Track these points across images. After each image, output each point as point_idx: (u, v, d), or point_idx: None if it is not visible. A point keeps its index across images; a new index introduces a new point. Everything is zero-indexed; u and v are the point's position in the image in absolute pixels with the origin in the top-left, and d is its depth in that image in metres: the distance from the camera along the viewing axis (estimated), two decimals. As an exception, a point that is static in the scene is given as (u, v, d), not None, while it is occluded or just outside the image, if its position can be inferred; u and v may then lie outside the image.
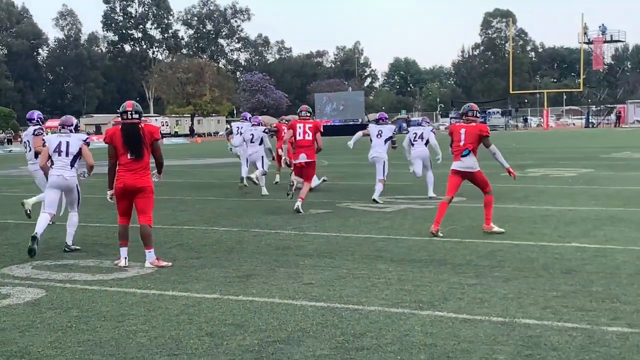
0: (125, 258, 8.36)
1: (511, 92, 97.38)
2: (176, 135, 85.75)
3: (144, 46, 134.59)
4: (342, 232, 10.21)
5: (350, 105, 76.38)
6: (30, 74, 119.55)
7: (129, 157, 8.22)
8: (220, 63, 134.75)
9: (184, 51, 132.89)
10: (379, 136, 13.89)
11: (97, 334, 5.59)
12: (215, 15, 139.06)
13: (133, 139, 8.21)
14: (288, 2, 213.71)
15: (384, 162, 13.68)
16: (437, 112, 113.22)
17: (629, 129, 71.90)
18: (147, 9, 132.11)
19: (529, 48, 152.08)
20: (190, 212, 12.96)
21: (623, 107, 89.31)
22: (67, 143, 9.41)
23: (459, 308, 6.02)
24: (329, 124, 76.40)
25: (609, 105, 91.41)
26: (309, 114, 12.77)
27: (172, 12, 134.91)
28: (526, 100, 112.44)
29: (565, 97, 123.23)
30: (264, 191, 15.89)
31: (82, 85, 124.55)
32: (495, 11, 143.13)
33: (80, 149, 9.48)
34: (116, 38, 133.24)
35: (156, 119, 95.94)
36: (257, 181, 15.73)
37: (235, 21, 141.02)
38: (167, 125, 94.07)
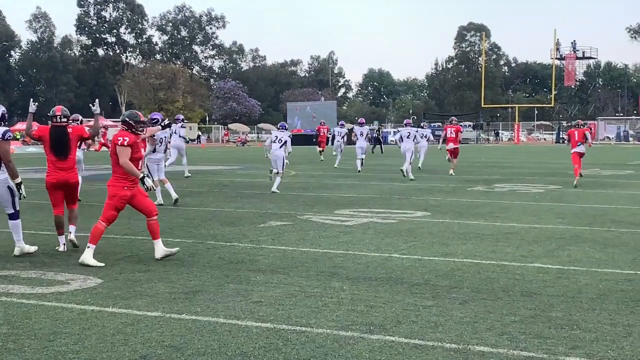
0: (64, 244, 9.61)
1: (483, 105, 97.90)
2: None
3: (117, 51, 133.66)
4: (300, 246, 9.87)
5: (323, 115, 76.08)
6: (2, 75, 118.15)
7: (55, 157, 9.44)
8: (193, 70, 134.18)
9: (158, 57, 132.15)
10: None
11: (24, 355, 5.20)
12: (190, 22, 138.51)
13: (60, 141, 9.41)
14: (263, 10, 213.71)
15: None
16: (377, 122, 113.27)
17: (599, 146, 72.37)
18: (121, 13, 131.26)
19: (502, 62, 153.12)
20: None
21: (594, 124, 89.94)
22: None
23: (412, 332, 5.70)
24: (300, 133, 76.09)
25: (580, 122, 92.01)
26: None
27: (146, 18, 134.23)
28: (498, 114, 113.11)
29: (536, 112, 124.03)
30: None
31: (54, 88, 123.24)
32: (470, 25, 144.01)
33: None
34: (89, 42, 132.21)
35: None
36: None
37: (210, 28, 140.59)
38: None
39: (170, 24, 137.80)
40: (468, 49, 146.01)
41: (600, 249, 9.60)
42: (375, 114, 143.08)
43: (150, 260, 8.86)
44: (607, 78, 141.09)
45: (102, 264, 8.56)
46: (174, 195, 15.46)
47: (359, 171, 25.81)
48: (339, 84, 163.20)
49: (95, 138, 13.29)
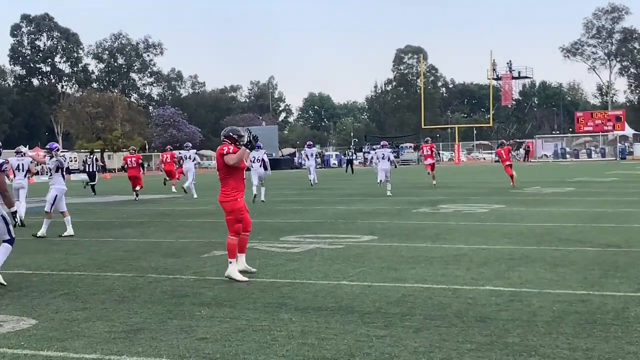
0: None
1: (423, 127, 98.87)
2: (84, 171, 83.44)
3: (53, 80, 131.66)
4: (246, 276, 9.55)
5: (264, 139, 75.82)
6: None
7: None
8: (131, 97, 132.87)
9: (95, 85, 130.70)
10: None
11: (-52, 409, 4.80)
12: (127, 49, 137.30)
13: None
14: (202, 36, 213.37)
15: None
16: (351, 146, 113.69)
17: (537, 164, 73.59)
18: (55, 42, 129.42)
19: (439, 84, 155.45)
20: (84, 255, 12.09)
21: (531, 142, 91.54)
22: None
23: (366, 366, 5.45)
24: (198, 159, 75.44)
25: (518, 140, 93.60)
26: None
27: (82, 46, 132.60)
28: (438, 135, 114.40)
29: (475, 131, 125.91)
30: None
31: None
32: (407, 47, 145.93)
33: None
34: (24, 72, 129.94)
35: (63, 154, 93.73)
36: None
37: (148, 55, 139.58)
38: (75, 161, 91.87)
39: (107, 52, 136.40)
40: (406, 71, 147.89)
41: (550, 268, 9.50)
42: (317, 137, 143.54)
43: (88, 297, 8.46)
44: (542, 97, 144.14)
45: (247, 279, 9.13)
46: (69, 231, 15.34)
47: (313, 184, 28.25)
48: (280, 108, 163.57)
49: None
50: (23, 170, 18.30)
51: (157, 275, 9.83)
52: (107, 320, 7.23)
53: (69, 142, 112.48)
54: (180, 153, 28.80)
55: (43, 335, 6.70)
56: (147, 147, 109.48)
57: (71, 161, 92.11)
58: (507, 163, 28.87)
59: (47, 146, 15.91)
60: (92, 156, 34.54)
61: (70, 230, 15.33)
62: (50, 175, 15.59)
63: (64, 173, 15.62)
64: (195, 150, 30.21)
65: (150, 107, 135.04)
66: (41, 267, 10.89)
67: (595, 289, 8.10)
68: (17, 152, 18.95)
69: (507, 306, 7.33)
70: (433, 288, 8.36)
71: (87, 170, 33.81)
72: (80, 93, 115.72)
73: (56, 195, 15.29)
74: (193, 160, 29.20)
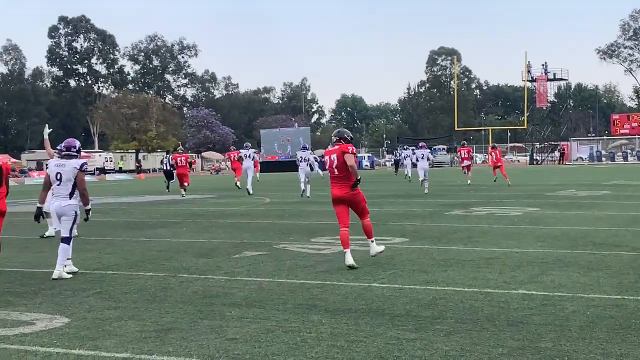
0: None
1: (456, 129, 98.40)
2: (120, 171, 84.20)
3: (89, 81, 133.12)
4: (276, 277, 9.55)
5: (297, 141, 75.85)
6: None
7: None
8: (166, 98, 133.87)
9: (130, 86, 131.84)
10: None
11: (-19, 406, 4.84)
12: (162, 51, 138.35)
13: None
14: (235, 38, 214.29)
15: None
16: (384, 148, 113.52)
17: (572, 166, 72.83)
18: (92, 44, 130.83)
19: (473, 85, 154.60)
20: (118, 254, 12.18)
21: (566, 145, 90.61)
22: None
23: (396, 369, 5.40)
24: (274, 159, 75.84)
25: (553, 143, 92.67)
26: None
27: (118, 48, 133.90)
28: (471, 137, 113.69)
29: (509, 134, 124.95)
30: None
31: (26, 120, 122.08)
32: (441, 49, 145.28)
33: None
34: (61, 73, 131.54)
35: (100, 155, 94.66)
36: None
37: (182, 57, 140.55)
38: (111, 161, 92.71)
39: (142, 54, 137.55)
40: (440, 72, 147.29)
41: (585, 272, 9.37)
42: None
43: (120, 296, 8.50)
44: (578, 99, 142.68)
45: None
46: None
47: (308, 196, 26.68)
48: (312, 110, 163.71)
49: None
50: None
51: (189, 275, 9.86)
52: (138, 319, 7.25)
53: (104, 142, 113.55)
54: (240, 152, 31.14)
55: (75, 333, 6.74)
56: (181, 148, 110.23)
57: (106, 161, 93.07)
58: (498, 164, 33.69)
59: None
60: (168, 155, 35.78)
61: (51, 231, 14.95)
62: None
63: None
64: (254, 150, 32.71)
65: (185, 108, 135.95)
66: (75, 266, 10.97)
67: (630, 294, 7.97)
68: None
69: (539, 310, 7.23)
70: (465, 291, 8.28)
71: (164, 168, 35.23)
72: (116, 94, 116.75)
73: None
74: (252, 159, 30.67)
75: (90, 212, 10.31)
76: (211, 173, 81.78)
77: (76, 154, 10.37)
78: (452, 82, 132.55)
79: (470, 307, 7.47)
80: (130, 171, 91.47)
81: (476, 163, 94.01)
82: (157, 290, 8.81)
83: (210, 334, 6.57)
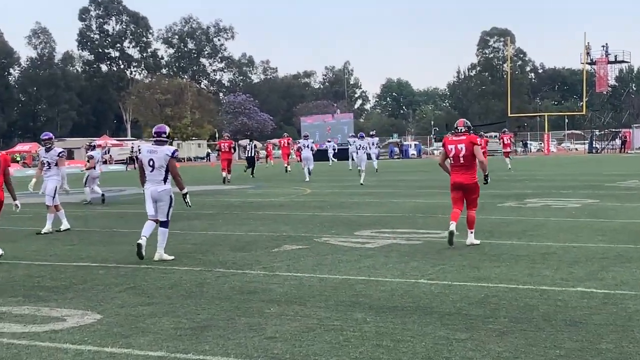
0: None
1: (509, 114, 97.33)
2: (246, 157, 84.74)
3: (122, 66, 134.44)
4: (318, 272, 9.57)
5: (339, 128, 75.72)
6: (1, 94, 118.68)
7: None
8: (201, 84, 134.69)
9: (164, 71, 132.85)
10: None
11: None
12: (198, 34, 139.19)
13: None
14: (274, 20, 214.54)
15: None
16: (432, 135, 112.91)
17: (634, 155, 71.76)
18: (125, 26, 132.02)
19: (528, 69, 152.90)
20: (152, 248, 12.25)
21: (628, 132, 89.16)
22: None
23: (445, 371, 5.37)
24: (316, 148, 75.67)
25: (614, 130, 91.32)
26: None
27: (151, 31, 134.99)
28: (525, 124, 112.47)
29: (567, 120, 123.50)
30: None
31: (56, 107, 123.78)
32: (493, 30, 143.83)
33: None
34: (92, 57, 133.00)
35: (132, 143, 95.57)
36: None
37: (219, 40, 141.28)
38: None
39: (177, 37, 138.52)
40: (492, 55, 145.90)
41: (649, 269, 9.23)
42: (394, 126, 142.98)
43: (155, 291, 8.58)
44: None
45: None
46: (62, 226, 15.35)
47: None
48: (356, 95, 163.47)
49: None
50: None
51: (225, 270, 9.92)
52: (173, 316, 7.31)
53: (137, 130, 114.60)
54: (299, 142, 35.73)
55: (107, 330, 6.82)
56: (217, 135, 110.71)
57: (140, 152, 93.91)
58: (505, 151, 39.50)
59: (42, 136, 15.91)
60: (251, 143, 40.53)
61: (66, 224, 15.30)
62: (49, 167, 15.57)
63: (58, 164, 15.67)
64: (312, 140, 36.86)
65: (221, 94, 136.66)
66: (107, 260, 11.12)
67: (698, 293, 7.84)
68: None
69: (600, 309, 7.15)
70: (519, 288, 8.21)
71: (247, 155, 39.60)
72: (149, 79, 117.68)
73: (56, 187, 15.40)
74: (311, 149, 33.99)
75: (187, 196, 11.16)
76: (259, 163, 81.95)
77: (167, 139, 11.06)
78: (505, 65, 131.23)
79: (525, 305, 7.41)
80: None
81: (530, 151, 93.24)
82: (192, 286, 8.88)
83: (249, 332, 6.60)
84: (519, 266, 9.67)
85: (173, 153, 10.97)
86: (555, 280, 8.63)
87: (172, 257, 10.90)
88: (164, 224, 11.00)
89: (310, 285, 8.75)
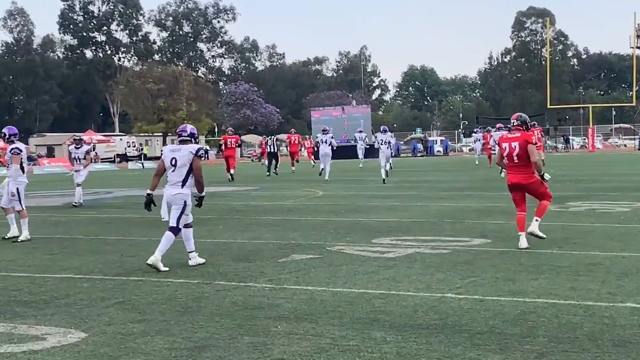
0: None
1: (549, 106, 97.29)
2: (144, 158, 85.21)
3: (109, 51, 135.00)
4: (331, 285, 9.59)
5: (355, 124, 75.76)
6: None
7: None
8: (199, 72, 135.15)
9: (156, 57, 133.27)
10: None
11: None
12: (194, 15, 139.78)
13: None
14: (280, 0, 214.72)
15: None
16: (460, 130, 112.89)
17: (691, 152, 71.55)
18: (112, 7, 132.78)
19: (570, 54, 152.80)
20: (142, 257, 12.31)
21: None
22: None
23: (476, 397, 5.39)
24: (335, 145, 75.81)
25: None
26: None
27: (142, 12, 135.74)
28: (567, 117, 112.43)
29: (614, 113, 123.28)
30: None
31: (34, 98, 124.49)
32: (530, 10, 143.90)
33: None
34: (75, 42, 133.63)
35: (121, 139, 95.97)
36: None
37: (218, 22, 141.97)
38: (134, 146, 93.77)
39: (171, 19, 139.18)
40: (529, 38, 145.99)
41: None
42: (418, 119, 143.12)
43: (147, 307, 8.62)
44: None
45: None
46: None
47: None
48: (374, 84, 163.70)
49: None
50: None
51: (226, 283, 9.96)
52: (167, 334, 7.35)
53: (126, 124, 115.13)
54: (317, 137, 37.11)
55: (93, 351, 6.86)
56: (216, 130, 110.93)
57: (129, 146, 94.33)
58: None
59: (5, 130, 15.92)
60: (273, 137, 42.47)
61: (26, 234, 15.22)
62: (8, 166, 15.66)
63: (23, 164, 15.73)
64: (331, 135, 37.62)
65: (221, 83, 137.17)
66: (92, 271, 11.17)
67: None
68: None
69: (652, 328, 7.15)
70: (560, 304, 8.22)
71: (270, 151, 41.58)
72: (140, 67, 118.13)
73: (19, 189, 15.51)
74: (329, 145, 35.24)
75: (203, 200, 11.76)
76: (252, 160, 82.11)
77: (190, 139, 11.52)
78: (543, 50, 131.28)
79: (567, 323, 7.42)
80: (156, 158, 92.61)
81: (573, 148, 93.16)
82: (189, 300, 8.91)
83: (252, 353, 6.63)
84: (560, 279, 9.68)
85: (197, 151, 11.40)
86: (601, 295, 8.63)
87: (166, 269, 11.00)
88: (171, 230, 11.26)
89: (322, 300, 8.77)
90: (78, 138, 24.43)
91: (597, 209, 18.41)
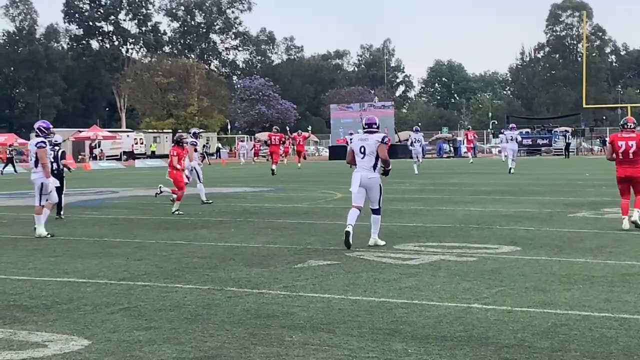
0: None
1: (584, 106, 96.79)
2: (153, 155, 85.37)
3: (116, 42, 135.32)
4: (350, 293, 9.60)
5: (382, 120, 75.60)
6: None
7: None
8: (211, 65, 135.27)
9: (166, 49, 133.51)
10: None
11: None
12: (207, 4, 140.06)
13: None
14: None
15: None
16: (489, 129, 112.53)
17: None
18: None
19: (608, 50, 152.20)
20: (149, 261, 12.39)
21: None
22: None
23: (503, 414, 5.39)
24: (344, 143, 75.84)
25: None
26: None
27: (152, 0, 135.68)
28: (604, 117, 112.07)
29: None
30: None
31: (37, 91, 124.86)
32: (566, 2, 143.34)
33: None
34: (81, 32, 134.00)
35: (128, 135, 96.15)
36: None
37: (232, 12, 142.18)
38: (142, 143, 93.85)
39: (182, 8, 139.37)
40: (564, 33, 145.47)
41: None
42: (444, 117, 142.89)
43: (153, 314, 8.65)
44: None
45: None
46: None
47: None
48: (397, 80, 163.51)
49: None
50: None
51: (239, 289, 9.98)
52: (175, 343, 7.37)
53: (133, 120, 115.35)
54: (350, 135, 40.57)
55: (97, 359, 6.89)
56: (229, 127, 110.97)
57: (136, 143, 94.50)
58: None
59: (41, 125, 16.42)
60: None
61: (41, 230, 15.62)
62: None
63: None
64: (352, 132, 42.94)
65: (235, 77, 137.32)
66: (96, 275, 11.20)
67: None
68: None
69: (693, 343, 7.13)
70: (593, 316, 8.20)
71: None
72: (149, 59, 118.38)
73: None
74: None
75: (389, 172, 14.14)
76: (267, 159, 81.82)
77: (377, 130, 13.70)
78: (579, 46, 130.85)
79: (601, 336, 7.40)
80: (165, 156, 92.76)
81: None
82: (198, 308, 8.93)
83: (266, 364, 6.65)
84: (594, 290, 9.65)
85: (383, 139, 13.55)
86: (638, 307, 8.61)
87: (384, 243, 13.65)
88: (376, 212, 13.67)
89: (340, 308, 8.78)
90: (193, 133, 24.38)
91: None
